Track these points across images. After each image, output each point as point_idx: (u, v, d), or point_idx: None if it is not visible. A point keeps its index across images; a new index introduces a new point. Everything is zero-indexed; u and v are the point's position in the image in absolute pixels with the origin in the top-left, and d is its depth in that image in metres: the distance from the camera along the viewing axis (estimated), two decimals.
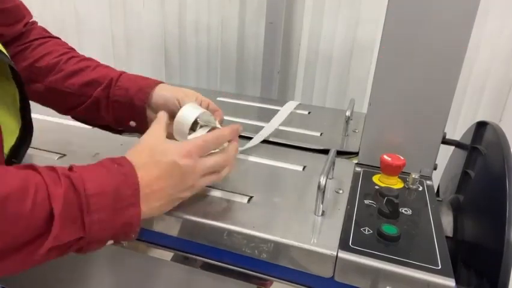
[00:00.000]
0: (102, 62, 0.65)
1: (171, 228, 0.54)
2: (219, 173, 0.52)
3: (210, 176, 0.51)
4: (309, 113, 0.98)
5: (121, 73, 0.62)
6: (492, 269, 0.48)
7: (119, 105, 0.60)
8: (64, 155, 0.67)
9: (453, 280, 0.44)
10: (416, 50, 0.60)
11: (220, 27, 1.31)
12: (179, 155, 0.47)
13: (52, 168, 0.40)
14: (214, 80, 1.38)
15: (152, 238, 0.55)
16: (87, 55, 0.67)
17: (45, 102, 0.65)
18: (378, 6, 1.11)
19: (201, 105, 0.60)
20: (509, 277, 0.46)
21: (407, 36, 0.59)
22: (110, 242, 0.44)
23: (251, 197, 0.57)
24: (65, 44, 0.67)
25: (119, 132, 0.67)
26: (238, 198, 0.57)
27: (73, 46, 0.70)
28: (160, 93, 0.60)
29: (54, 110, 0.66)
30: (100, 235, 0.41)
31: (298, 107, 0.99)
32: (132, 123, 0.62)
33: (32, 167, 0.40)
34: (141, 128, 0.60)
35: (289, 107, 0.97)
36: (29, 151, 0.68)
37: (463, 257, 0.58)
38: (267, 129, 0.81)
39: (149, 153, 0.47)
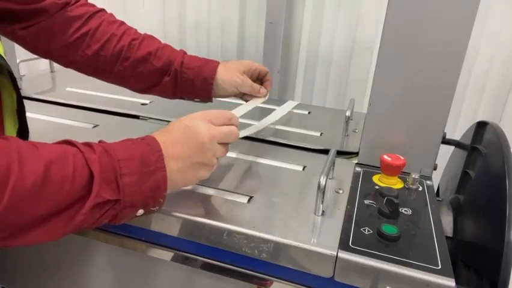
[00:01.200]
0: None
1: (171, 228, 0.54)
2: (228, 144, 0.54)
3: (226, 148, 0.53)
4: (309, 113, 0.98)
5: (182, 60, 0.69)
6: (492, 269, 0.48)
7: (186, 92, 0.71)
8: None
9: (453, 280, 0.44)
10: (416, 50, 0.60)
11: (220, 27, 1.31)
12: (189, 117, 0.51)
13: (85, 143, 0.44)
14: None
15: (152, 238, 0.55)
16: None
17: (117, 84, 0.71)
18: (378, 6, 1.11)
19: (258, 76, 0.76)
20: (509, 277, 0.46)
21: (407, 37, 0.60)
22: (141, 211, 0.46)
23: (251, 197, 0.57)
24: (115, 20, 0.70)
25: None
26: (238, 198, 0.57)
27: None
28: (220, 85, 0.70)
29: (127, 88, 0.73)
30: (132, 198, 0.44)
31: (298, 107, 0.99)
32: (196, 100, 0.73)
33: (67, 141, 0.44)
34: (207, 101, 0.73)
35: (289, 105, 0.97)
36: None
37: (463, 257, 0.58)
38: (267, 120, 0.81)
39: (166, 127, 0.51)
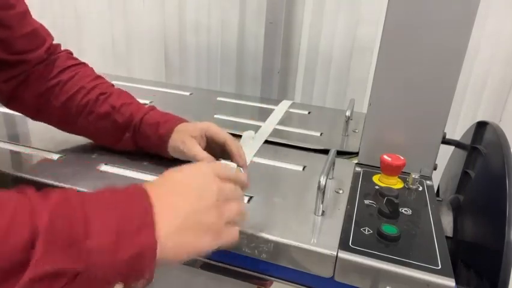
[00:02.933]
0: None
1: None
2: (239, 202, 0.44)
3: (235, 205, 0.42)
4: (309, 113, 0.98)
5: (143, 116, 0.64)
6: (492, 269, 0.48)
7: (145, 149, 0.65)
8: (64, 155, 0.67)
9: (453, 280, 0.44)
10: (416, 50, 0.60)
11: (220, 27, 1.31)
12: (189, 167, 0.41)
13: (47, 190, 0.33)
14: (214, 80, 1.38)
15: None
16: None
17: (83, 136, 0.69)
18: (378, 6, 1.11)
19: (206, 144, 0.61)
20: (509, 277, 0.46)
21: (407, 37, 0.59)
22: (119, 287, 0.34)
23: (251, 197, 0.57)
24: (91, 73, 0.68)
25: None
26: None
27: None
28: (171, 143, 0.61)
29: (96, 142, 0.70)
30: (103, 271, 0.31)
31: (298, 107, 0.99)
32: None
33: (20, 191, 0.32)
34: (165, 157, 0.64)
35: (283, 106, 0.97)
36: (29, 151, 0.68)
37: (463, 257, 0.58)
38: (265, 130, 0.81)
39: (161, 175, 0.41)
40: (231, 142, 0.59)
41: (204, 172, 0.41)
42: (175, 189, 0.38)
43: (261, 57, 1.24)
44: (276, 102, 1.01)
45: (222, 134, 0.60)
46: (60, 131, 0.68)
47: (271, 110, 0.94)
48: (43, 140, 0.72)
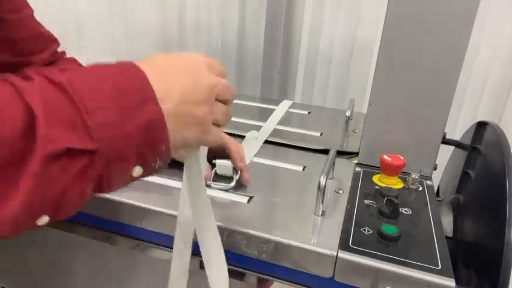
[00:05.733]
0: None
1: (171, 228, 0.54)
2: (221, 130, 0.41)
3: (224, 112, 0.39)
4: (309, 113, 0.98)
5: None
6: (492, 269, 0.48)
7: None
8: None
9: (453, 280, 0.44)
10: (416, 50, 0.60)
11: (220, 27, 1.31)
12: (194, 56, 0.38)
13: (22, 74, 0.29)
14: None
15: (152, 238, 0.55)
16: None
17: None
18: (378, 6, 1.11)
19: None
20: (509, 277, 0.46)
21: (407, 37, 0.59)
22: (138, 170, 0.32)
23: (251, 197, 0.57)
24: None
25: None
26: (238, 198, 0.57)
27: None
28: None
29: None
30: (118, 146, 0.29)
31: (298, 107, 0.99)
32: None
33: None
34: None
35: (284, 106, 0.97)
36: None
37: (463, 257, 0.58)
38: (266, 130, 0.81)
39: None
40: (230, 144, 0.59)
41: (200, 61, 0.37)
42: (170, 70, 0.35)
43: (261, 57, 1.24)
44: (276, 102, 1.01)
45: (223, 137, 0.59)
46: None
47: (272, 110, 0.94)
48: None
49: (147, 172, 0.33)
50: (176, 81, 0.34)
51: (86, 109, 0.28)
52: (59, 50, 0.67)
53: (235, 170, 0.60)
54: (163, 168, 0.34)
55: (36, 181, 0.26)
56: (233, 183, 0.59)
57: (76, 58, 0.70)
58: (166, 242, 0.55)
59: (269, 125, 0.84)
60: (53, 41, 0.66)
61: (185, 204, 0.45)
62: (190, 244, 0.47)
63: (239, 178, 0.60)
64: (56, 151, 0.26)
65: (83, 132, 0.28)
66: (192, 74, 0.36)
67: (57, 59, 0.66)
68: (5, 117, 0.25)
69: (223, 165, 0.59)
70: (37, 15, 0.65)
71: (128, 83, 0.31)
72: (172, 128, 0.33)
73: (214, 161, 0.60)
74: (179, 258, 0.48)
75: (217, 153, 0.60)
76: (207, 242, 0.44)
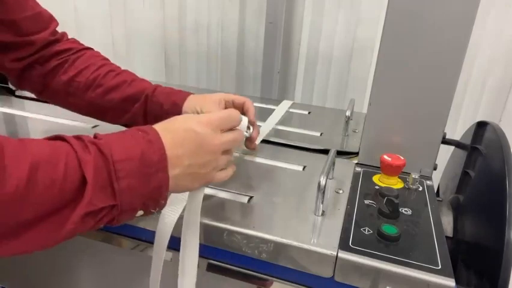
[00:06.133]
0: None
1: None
2: (228, 169, 0.51)
3: (227, 161, 0.49)
4: (309, 113, 0.98)
5: (156, 87, 0.66)
6: (492, 269, 0.48)
7: (155, 119, 0.63)
8: None
9: (453, 280, 0.44)
10: (416, 50, 0.60)
11: (220, 27, 1.31)
12: (198, 122, 0.46)
13: (78, 137, 0.40)
14: (214, 80, 1.38)
15: (152, 238, 0.55)
16: None
17: (86, 113, 0.69)
18: (378, 6, 1.11)
19: (225, 107, 0.64)
20: (509, 277, 0.46)
21: (407, 36, 0.59)
22: (140, 213, 0.43)
23: (251, 197, 0.57)
24: (99, 55, 0.70)
25: None
26: (238, 198, 0.57)
27: None
28: (185, 108, 0.63)
29: (97, 119, 0.70)
30: (131, 202, 0.40)
31: (298, 106, 0.99)
32: None
33: (59, 137, 0.40)
34: None
35: (284, 106, 0.97)
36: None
37: (463, 257, 0.58)
38: (265, 127, 0.81)
39: (170, 121, 0.47)
40: (249, 103, 0.64)
41: (205, 132, 0.46)
42: (181, 143, 0.44)
43: (261, 57, 1.24)
44: (276, 102, 1.01)
45: (242, 98, 0.64)
46: (60, 131, 0.68)
47: (272, 110, 0.94)
48: None
49: (146, 214, 0.44)
50: (185, 150, 0.44)
51: (117, 177, 0.39)
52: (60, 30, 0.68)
53: (248, 127, 0.60)
54: (159, 211, 0.46)
55: (75, 226, 0.37)
56: (247, 134, 0.60)
57: (76, 39, 0.71)
58: None
59: (269, 123, 0.84)
60: (52, 19, 0.67)
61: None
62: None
63: (250, 136, 0.62)
64: (93, 210, 0.38)
65: (110, 193, 0.39)
66: (199, 142, 0.45)
67: (58, 38, 0.67)
68: (67, 180, 0.36)
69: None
70: None
71: (152, 155, 0.42)
72: (180, 185, 0.45)
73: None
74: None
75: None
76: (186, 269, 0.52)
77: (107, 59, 0.69)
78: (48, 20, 0.66)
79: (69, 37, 0.70)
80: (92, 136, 0.42)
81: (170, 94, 0.65)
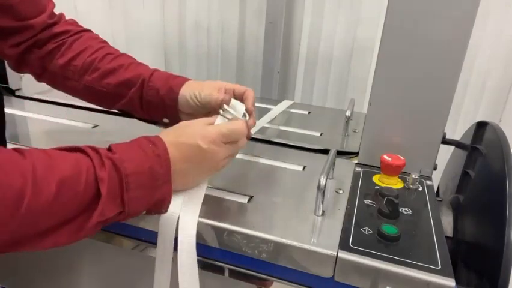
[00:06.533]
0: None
1: None
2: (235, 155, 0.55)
3: (229, 159, 0.53)
4: (309, 113, 0.98)
5: (153, 72, 0.64)
6: (492, 269, 0.48)
7: (152, 105, 0.64)
8: None
9: (453, 280, 0.44)
10: (416, 50, 0.60)
11: (220, 27, 1.31)
12: (203, 139, 0.49)
13: (96, 151, 0.44)
14: (214, 80, 1.38)
15: (152, 238, 0.55)
16: None
17: (83, 98, 0.68)
18: (378, 6, 1.11)
19: (235, 96, 0.63)
20: (509, 277, 0.46)
21: (407, 36, 0.59)
22: (143, 212, 0.48)
23: (251, 197, 0.57)
24: (97, 37, 0.69)
25: (164, 125, 0.68)
26: (238, 198, 0.57)
27: None
28: (182, 93, 0.62)
29: (93, 104, 0.70)
30: (136, 210, 0.45)
31: (298, 106, 0.99)
32: (165, 120, 0.65)
33: (80, 150, 0.44)
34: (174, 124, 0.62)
35: (283, 104, 0.97)
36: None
37: (463, 257, 0.58)
38: (262, 121, 0.81)
39: (177, 134, 0.50)
40: (249, 92, 0.63)
41: (206, 149, 0.49)
42: (189, 159, 0.49)
43: (261, 57, 1.24)
44: (276, 102, 1.01)
45: (243, 87, 0.64)
46: (60, 131, 0.68)
47: (270, 110, 0.94)
48: (43, 140, 0.72)
49: (148, 214, 0.49)
50: (190, 164, 0.49)
51: (127, 189, 0.43)
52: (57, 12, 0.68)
53: (244, 115, 0.60)
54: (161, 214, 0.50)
55: (88, 231, 0.42)
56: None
57: (75, 20, 0.70)
58: None
59: (267, 117, 0.84)
60: (48, 1, 0.66)
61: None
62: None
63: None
64: (105, 219, 0.43)
65: (119, 202, 0.43)
66: (203, 157, 0.49)
67: (56, 21, 0.66)
68: (86, 193, 0.41)
69: (237, 104, 0.60)
70: None
71: (159, 167, 0.46)
72: (180, 188, 0.51)
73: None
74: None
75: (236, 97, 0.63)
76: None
77: (105, 42, 0.68)
78: (46, 2, 0.65)
79: (66, 18, 0.69)
80: (106, 148, 0.46)
81: (167, 79, 0.63)
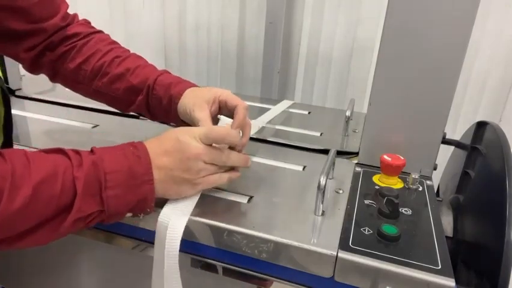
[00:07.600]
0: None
1: None
2: (222, 174, 0.53)
3: (213, 170, 0.52)
4: (309, 113, 0.98)
5: (157, 77, 0.64)
6: (492, 269, 0.48)
7: (157, 112, 0.66)
8: None
9: (453, 280, 0.44)
10: (416, 50, 0.60)
11: (220, 27, 1.31)
12: (182, 132, 0.50)
13: (77, 152, 0.45)
14: (214, 80, 1.38)
15: (152, 238, 0.55)
16: None
17: (97, 100, 0.70)
18: (378, 6, 1.11)
19: (219, 110, 0.62)
20: (509, 277, 0.46)
21: (407, 36, 0.59)
22: (129, 214, 0.49)
23: (251, 197, 0.57)
24: (107, 38, 0.70)
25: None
26: (238, 198, 0.57)
27: None
28: (180, 105, 0.62)
29: (109, 107, 0.71)
30: (117, 209, 0.46)
31: (298, 106, 0.99)
32: (172, 124, 0.67)
33: (61, 151, 0.45)
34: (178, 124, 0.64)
35: (283, 104, 0.98)
36: (30, 151, 0.68)
37: (463, 257, 0.58)
38: (262, 119, 0.81)
39: (160, 135, 0.51)
40: (241, 109, 0.59)
41: (185, 141, 0.49)
42: (166, 150, 0.49)
43: (261, 57, 1.24)
44: (276, 102, 1.01)
45: (236, 100, 0.60)
46: (60, 131, 0.68)
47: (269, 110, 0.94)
48: (43, 140, 0.72)
49: (134, 216, 0.50)
50: (169, 157, 0.49)
51: (106, 187, 0.44)
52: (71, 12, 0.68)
53: None
54: (147, 214, 0.50)
55: (67, 230, 0.43)
56: None
57: (88, 20, 0.71)
58: None
59: (265, 119, 0.84)
60: (62, 2, 0.67)
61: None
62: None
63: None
64: (83, 216, 0.43)
65: (99, 200, 0.44)
66: (180, 149, 0.49)
67: (69, 23, 0.67)
68: (63, 195, 0.42)
69: (227, 121, 0.60)
70: None
71: (139, 167, 0.47)
72: (167, 187, 0.49)
73: (219, 116, 0.62)
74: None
75: (227, 116, 0.62)
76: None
77: (114, 43, 0.69)
78: (59, 4, 0.66)
79: (79, 18, 0.70)
80: (89, 150, 0.47)
81: (169, 87, 0.63)
